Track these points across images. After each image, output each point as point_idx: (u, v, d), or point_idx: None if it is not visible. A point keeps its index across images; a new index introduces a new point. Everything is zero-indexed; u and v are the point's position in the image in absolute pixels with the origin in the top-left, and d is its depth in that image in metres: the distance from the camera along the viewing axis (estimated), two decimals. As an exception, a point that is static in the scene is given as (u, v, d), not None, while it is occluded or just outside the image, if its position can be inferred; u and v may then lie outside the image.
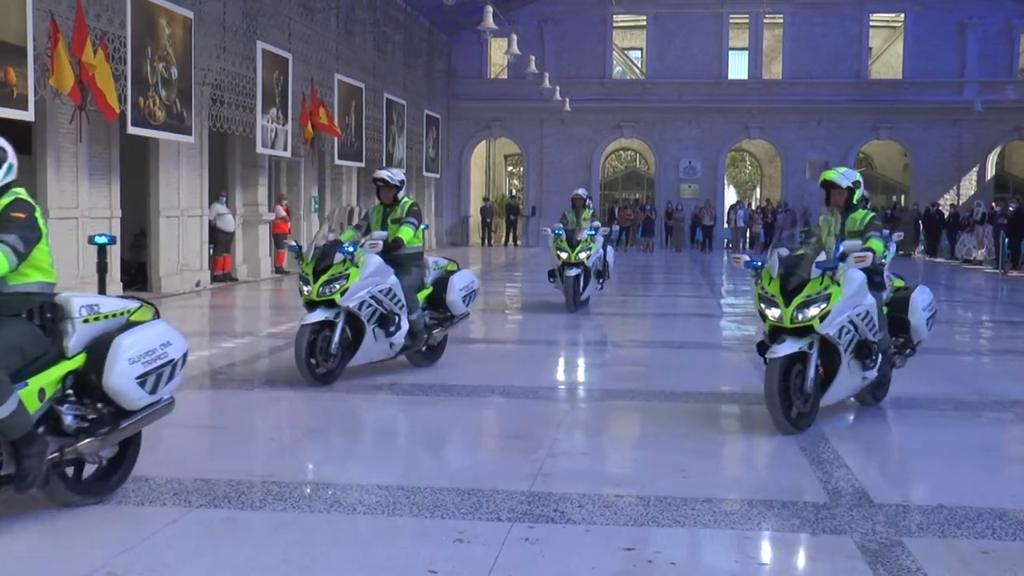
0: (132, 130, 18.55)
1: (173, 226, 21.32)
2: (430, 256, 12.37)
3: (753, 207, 49.97)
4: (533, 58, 37.39)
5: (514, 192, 52.91)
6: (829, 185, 9.65)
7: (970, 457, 8.26)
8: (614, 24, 46.19)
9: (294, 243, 12.08)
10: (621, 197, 48.61)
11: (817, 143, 44.71)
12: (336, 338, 10.72)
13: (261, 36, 24.08)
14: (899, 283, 10.29)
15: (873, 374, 9.24)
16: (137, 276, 21.39)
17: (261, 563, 5.55)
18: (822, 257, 9.01)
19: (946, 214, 40.27)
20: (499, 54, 44.52)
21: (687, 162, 45.40)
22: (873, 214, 9.61)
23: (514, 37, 32.73)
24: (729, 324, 17.71)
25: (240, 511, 6.47)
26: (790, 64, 45.04)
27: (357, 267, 10.80)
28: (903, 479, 7.82)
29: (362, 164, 32.15)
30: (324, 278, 10.76)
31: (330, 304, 10.73)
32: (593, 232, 18.53)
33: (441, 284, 12.10)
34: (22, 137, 17.46)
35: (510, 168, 55.28)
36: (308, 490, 6.88)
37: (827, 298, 8.67)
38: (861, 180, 9.73)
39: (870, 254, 8.84)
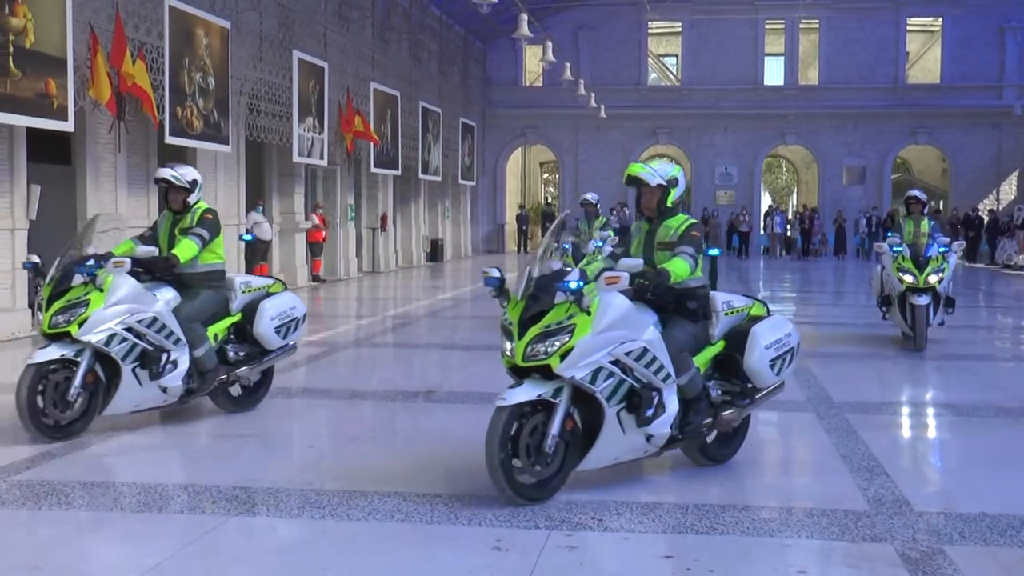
0: (170, 140, 18.69)
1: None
2: (244, 276, 10.34)
3: (790, 214, 49.80)
4: (568, 65, 37.39)
5: (550, 199, 52.91)
6: (636, 182, 7.75)
7: (1012, 464, 8.18)
8: (649, 31, 46.10)
9: (30, 260, 9.46)
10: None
11: (854, 148, 44.47)
12: (76, 381, 8.53)
13: (297, 46, 24.20)
14: (757, 310, 8.18)
15: (661, 430, 7.15)
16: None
17: (300, 570, 5.56)
18: (576, 273, 7.04)
19: (986, 219, 39.93)
20: (534, 61, 44.57)
21: (723, 168, 45.25)
22: (692, 222, 7.72)
23: (549, 44, 32.72)
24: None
25: (279, 519, 6.50)
26: (826, 69, 44.80)
27: (102, 291, 8.69)
28: (944, 486, 7.75)
29: (398, 172, 32.24)
30: (58, 305, 8.66)
31: (69, 338, 8.62)
32: (600, 243, 14.73)
33: (252, 311, 9.74)
34: (62, 148, 17.66)
35: (546, 175, 55.30)
36: (346, 498, 6.89)
37: (571, 331, 6.78)
38: (679, 178, 7.82)
39: (624, 275, 6.81)
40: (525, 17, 27.81)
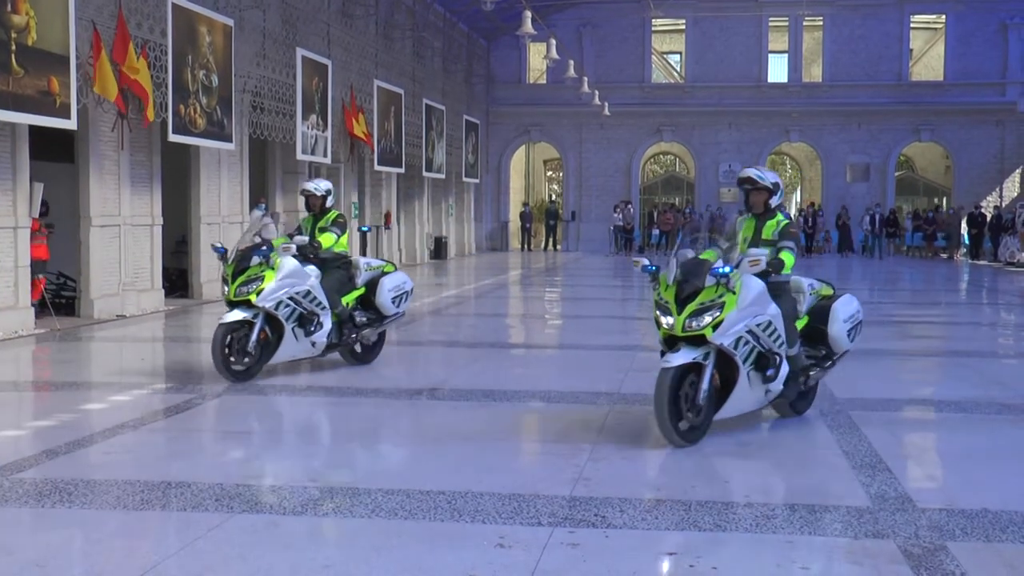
0: (173, 137, 18.68)
1: (214, 233, 21.43)
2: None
3: (793, 211, 49.76)
4: (572, 63, 37.37)
5: (554, 197, 52.90)
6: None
7: (1014, 461, 8.19)
8: (653, 28, 46.07)
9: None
10: (660, 201, 48.46)
11: (858, 146, 44.45)
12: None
13: (300, 43, 24.20)
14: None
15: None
16: (178, 283, 21.52)
17: (303, 568, 5.57)
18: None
19: (989, 216, 39.90)
20: (538, 59, 44.53)
21: (727, 166, 45.22)
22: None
23: (553, 42, 32.71)
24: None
25: (282, 516, 6.50)
26: (830, 67, 44.77)
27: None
28: (946, 483, 7.76)
29: (402, 170, 32.25)
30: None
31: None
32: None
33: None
34: (65, 146, 17.67)
35: (549, 173, 55.30)
36: (349, 495, 6.90)
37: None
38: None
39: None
40: (529, 14, 27.81)
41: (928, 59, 48.38)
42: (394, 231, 33.41)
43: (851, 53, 44.25)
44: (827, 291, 9.72)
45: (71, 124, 15.81)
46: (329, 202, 12.33)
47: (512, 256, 41.27)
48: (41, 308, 16.32)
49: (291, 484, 7.19)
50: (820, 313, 9.50)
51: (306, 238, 11.98)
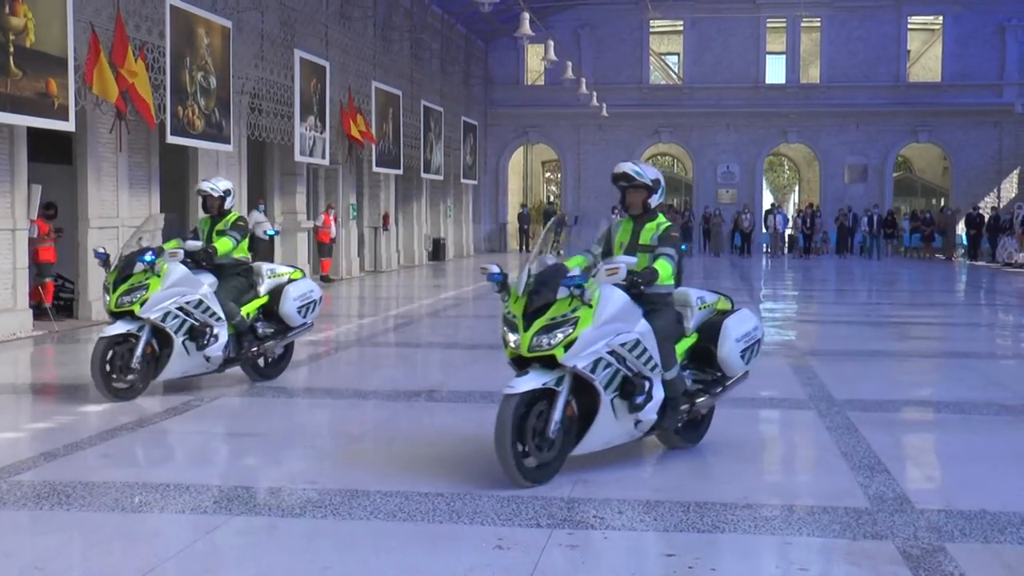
0: (171, 139, 18.68)
1: (213, 234, 21.42)
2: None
3: (791, 212, 49.79)
4: (570, 64, 37.39)
5: (552, 198, 52.90)
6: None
7: (1013, 462, 8.18)
8: (651, 29, 46.06)
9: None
10: (659, 202, 48.34)
11: (856, 147, 44.46)
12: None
13: (298, 45, 24.20)
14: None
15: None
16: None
17: (302, 570, 5.57)
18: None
19: (986, 217, 39.93)
20: (536, 60, 44.57)
21: (725, 167, 45.25)
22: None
23: (551, 43, 32.74)
24: (768, 329, 17.61)
25: (280, 518, 6.50)
26: (828, 68, 44.79)
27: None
28: (945, 484, 7.76)
29: (400, 171, 32.24)
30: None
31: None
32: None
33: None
34: (63, 147, 17.66)
35: (548, 174, 55.29)
36: (348, 497, 6.90)
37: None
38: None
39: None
40: (527, 16, 27.81)
41: (926, 60, 48.40)
42: (392, 232, 33.41)
43: (849, 54, 44.27)
44: (724, 305, 8.63)
45: (69, 126, 15.80)
46: (228, 203, 11.31)
47: (510, 257, 41.24)
48: (38, 309, 16.31)
49: (290, 486, 7.19)
50: (711, 331, 8.30)
51: (199, 242, 11.06)
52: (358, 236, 30.41)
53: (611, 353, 7.29)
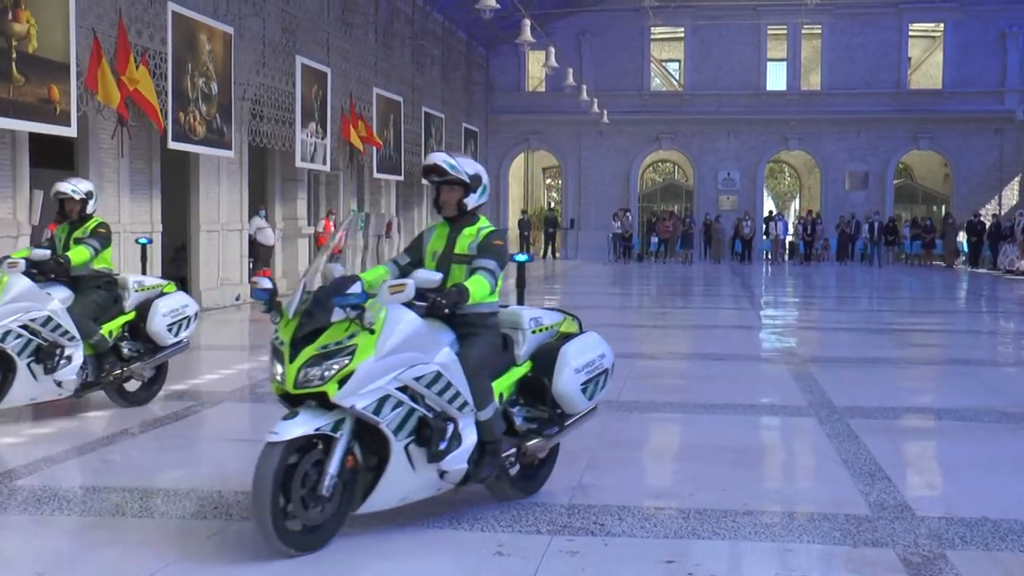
0: (173, 145, 18.70)
1: (213, 240, 21.46)
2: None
3: (792, 219, 49.79)
4: (571, 71, 37.49)
5: (552, 205, 52.91)
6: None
7: (1014, 469, 8.17)
8: (652, 36, 46.14)
9: None
10: (659, 209, 48.44)
11: (857, 154, 44.48)
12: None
13: (300, 51, 24.22)
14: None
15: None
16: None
17: None
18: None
19: (988, 224, 39.93)
20: (537, 67, 44.60)
21: (726, 174, 45.27)
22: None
23: (552, 50, 32.80)
24: (769, 336, 17.63)
25: (281, 523, 6.48)
26: (829, 75, 44.83)
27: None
28: (946, 491, 7.75)
29: (401, 177, 32.29)
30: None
31: None
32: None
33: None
34: (64, 153, 17.68)
35: (548, 181, 55.33)
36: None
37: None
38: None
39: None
40: (528, 23, 27.88)
41: (927, 67, 48.43)
42: (394, 239, 33.38)
43: (850, 61, 44.30)
44: (569, 327, 7.33)
45: (71, 132, 15.82)
46: (91, 207, 10.13)
47: (510, 264, 41.18)
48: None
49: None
50: (547, 358, 6.94)
51: (47, 251, 9.75)
52: (362, 242, 30.35)
53: (403, 389, 5.98)
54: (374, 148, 28.86)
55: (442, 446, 6.09)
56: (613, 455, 8.40)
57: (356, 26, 28.73)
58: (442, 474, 6.20)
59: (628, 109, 44.42)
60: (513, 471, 6.84)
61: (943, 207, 46.17)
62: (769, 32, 45.29)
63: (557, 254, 45.74)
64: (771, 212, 48.67)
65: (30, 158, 16.04)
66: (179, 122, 18.71)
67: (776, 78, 46.09)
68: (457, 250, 6.66)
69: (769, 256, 44.08)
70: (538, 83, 47.36)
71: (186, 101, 18.95)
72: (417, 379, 6.02)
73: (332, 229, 27.11)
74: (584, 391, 6.98)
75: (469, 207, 6.74)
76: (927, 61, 48.57)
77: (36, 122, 15.10)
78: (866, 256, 41.85)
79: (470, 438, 6.31)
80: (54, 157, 17.65)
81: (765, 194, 50.40)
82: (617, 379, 12.15)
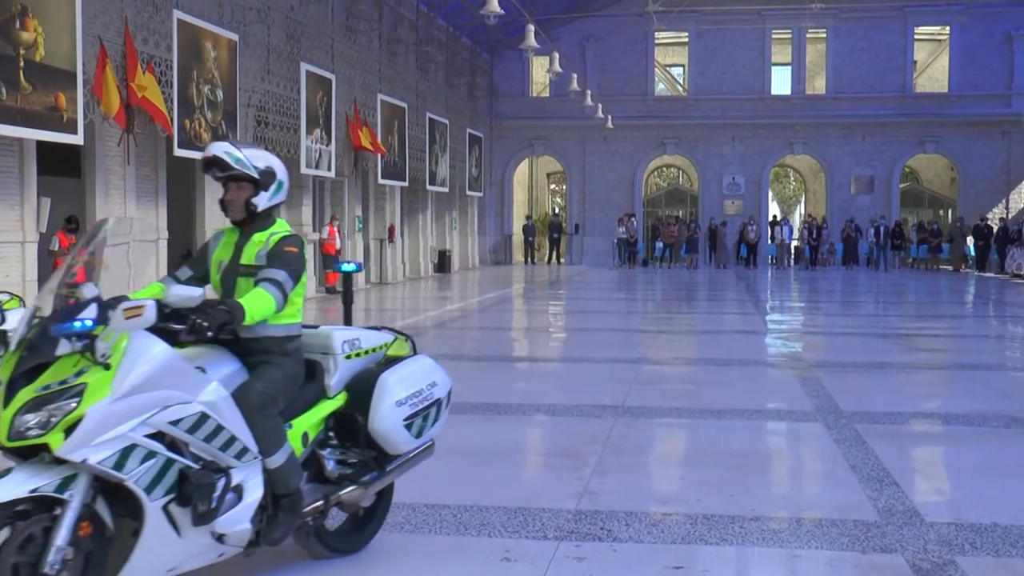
0: (178, 152, 18.73)
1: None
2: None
3: (797, 223, 49.73)
4: (575, 76, 37.48)
5: (557, 210, 52.95)
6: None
7: (1023, 474, 8.15)
8: (656, 41, 46.11)
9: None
10: (664, 214, 48.43)
11: (862, 158, 44.42)
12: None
13: (305, 58, 24.26)
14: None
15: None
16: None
17: (309, 583, 5.54)
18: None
19: (995, 228, 39.87)
20: (541, 72, 44.61)
21: (731, 178, 45.24)
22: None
23: (556, 55, 32.76)
24: (775, 341, 17.60)
25: (288, 531, 6.46)
26: (834, 79, 44.79)
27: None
28: (955, 497, 7.72)
29: (405, 183, 32.31)
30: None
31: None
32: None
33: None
34: (71, 160, 17.72)
35: (553, 186, 55.34)
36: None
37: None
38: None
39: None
40: (532, 28, 27.86)
41: (932, 71, 48.38)
42: (398, 245, 33.43)
43: (855, 65, 44.25)
44: (399, 349, 6.13)
45: (78, 139, 15.86)
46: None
47: (516, 269, 41.26)
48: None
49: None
50: (363, 390, 5.74)
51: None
52: (364, 248, 30.42)
53: (158, 436, 4.73)
54: (379, 155, 28.92)
55: (211, 504, 4.85)
56: (619, 460, 8.39)
57: (360, 33, 28.75)
58: (219, 537, 5.00)
59: (632, 114, 44.41)
60: (336, 524, 5.95)
61: (949, 211, 46.11)
62: (773, 36, 45.27)
63: (562, 259, 45.74)
64: (776, 217, 48.63)
65: (37, 166, 16.07)
66: (185, 129, 18.74)
67: (781, 82, 46.05)
68: (243, 260, 5.45)
69: (774, 261, 44.04)
70: (542, 88, 47.38)
71: (191, 108, 18.98)
72: (175, 423, 4.77)
73: (335, 234, 27.16)
74: (409, 427, 5.81)
75: (259, 208, 5.50)
76: (933, 64, 48.52)
77: (43, 130, 15.14)
78: (872, 260, 41.80)
79: (255, 492, 5.14)
80: (61, 164, 17.68)
81: (770, 199, 50.34)
82: (623, 384, 12.18)
